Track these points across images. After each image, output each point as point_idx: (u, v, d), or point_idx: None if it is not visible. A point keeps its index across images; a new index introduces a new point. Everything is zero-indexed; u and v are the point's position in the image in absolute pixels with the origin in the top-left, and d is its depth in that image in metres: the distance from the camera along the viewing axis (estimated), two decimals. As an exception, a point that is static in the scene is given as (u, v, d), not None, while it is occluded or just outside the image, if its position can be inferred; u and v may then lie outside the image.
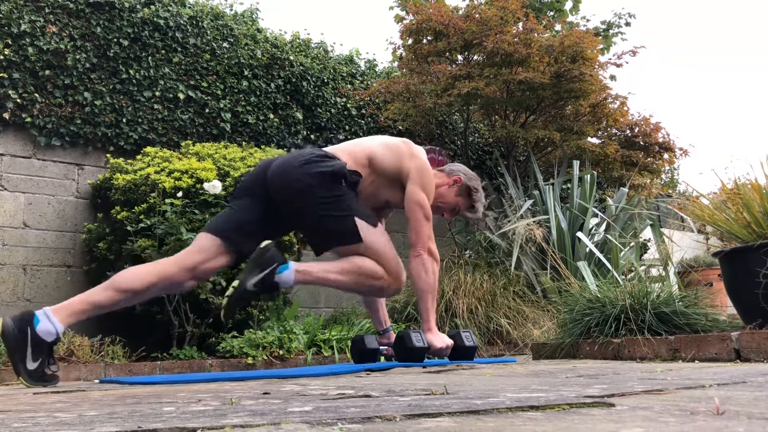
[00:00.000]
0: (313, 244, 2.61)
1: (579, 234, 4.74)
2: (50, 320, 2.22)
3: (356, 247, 2.44)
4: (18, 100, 4.25)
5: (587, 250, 4.67)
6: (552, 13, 8.84)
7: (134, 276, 2.36)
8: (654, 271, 4.82)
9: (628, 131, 6.23)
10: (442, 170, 2.90)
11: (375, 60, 6.53)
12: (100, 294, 2.33)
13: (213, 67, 5.09)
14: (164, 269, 2.39)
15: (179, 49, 4.95)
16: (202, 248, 2.44)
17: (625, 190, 5.50)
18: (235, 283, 2.34)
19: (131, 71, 4.67)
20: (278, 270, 2.36)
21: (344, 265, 2.45)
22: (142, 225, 3.70)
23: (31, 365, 2.19)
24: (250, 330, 3.78)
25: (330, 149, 2.63)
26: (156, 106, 4.77)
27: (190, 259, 2.42)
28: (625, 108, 6.18)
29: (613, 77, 7.27)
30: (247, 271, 2.35)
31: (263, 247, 2.38)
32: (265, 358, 3.56)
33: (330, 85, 5.82)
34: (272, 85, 5.41)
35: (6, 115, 4.22)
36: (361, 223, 2.45)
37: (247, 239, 2.46)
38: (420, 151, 2.74)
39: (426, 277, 2.63)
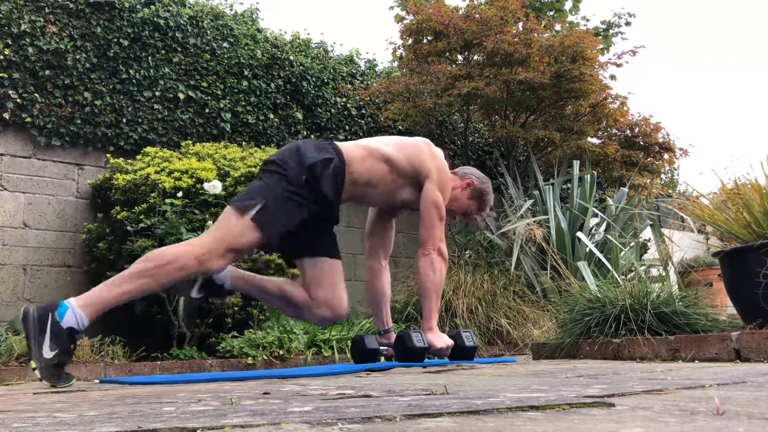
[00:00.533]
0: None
1: (579, 234, 4.74)
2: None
3: (231, 216, 2.32)
4: (18, 100, 4.25)
5: (587, 250, 4.67)
6: (552, 13, 8.83)
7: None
8: (654, 271, 4.82)
9: (628, 131, 6.23)
10: (455, 173, 2.91)
11: (375, 60, 6.53)
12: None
13: (213, 67, 5.09)
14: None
15: (179, 49, 4.95)
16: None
17: (625, 190, 5.50)
18: (33, 364, 2.08)
19: (131, 71, 4.68)
20: (57, 316, 2.13)
21: (131, 268, 2.23)
22: (142, 225, 3.70)
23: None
24: (250, 330, 3.78)
25: (349, 143, 2.60)
26: (156, 106, 4.77)
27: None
28: (625, 108, 6.19)
29: (613, 77, 7.27)
30: (33, 344, 2.10)
31: (24, 312, 2.15)
32: (265, 358, 3.56)
33: (330, 85, 5.82)
34: (272, 85, 5.41)
35: (6, 115, 4.22)
36: (263, 211, 2.31)
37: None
38: (439, 153, 2.76)
39: (433, 277, 2.64)
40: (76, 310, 2.13)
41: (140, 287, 2.22)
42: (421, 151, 2.68)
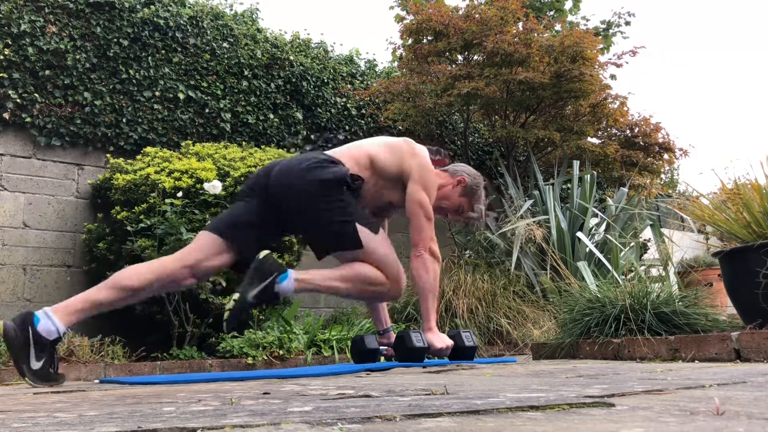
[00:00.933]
0: (314, 248, 2.61)
1: (579, 234, 4.74)
2: (50, 319, 2.20)
3: (356, 253, 2.43)
4: (18, 100, 4.25)
5: (587, 250, 4.67)
6: (552, 13, 8.84)
7: (134, 274, 2.35)
8: (654, 271, 4.82)
9: (628, 131, 6.23)
10: (446, 170, 2.88)
11: (375, 60, 6.53)
12: (99, 292, 2.31)
13: (213, 67, 5.09)
14: (164, 267, 2.39)
15: (179, 49, 4.95)
16: (203, 246, 2.43)
17: (625, 190, 5.50)
18: (236, 295, 2.32)
19: (131, 71, 4.68)
20: (278, 279, 2.34)
21: (343, 272, 2.44)
22: (142, 225, 3.70)
23: (36, 365, 2.16)
24: (250, 330, 3.78)
25: (332, 152, 2.61)
26: (156, 106, 4.77)
27: (190, 256, 2.41)
28: (625, 108, 6.18)
29: (613, 77, 7.27)
30: (247, 283, 2.33)
31: (262, 257, 2.37)
32: (265, 358, 3.56)
33: (330, 85, 5.82)
34: (272, 85, 5.41)
35: (6, 115, 4.22)
36: (362, 230, 2.43)
37: (247, 239, 2.46)
38: (422, 150, 2.72)
39: (427, 277, 2.63)
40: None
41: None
42: (400, 150, 2.66)
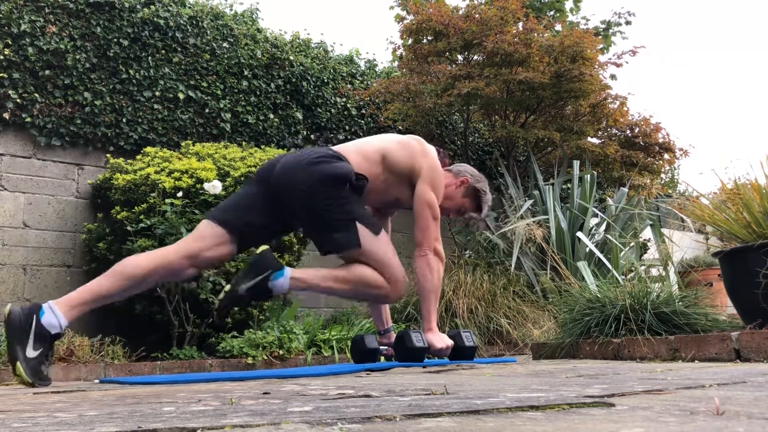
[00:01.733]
0: (317, 243, 2.59)
1: (579, 234, 4.74)
2: (54, 313, 2.19)
3: (356, 253, 2.42)
4: (18, 100, 4.25)
5: (587, 250, 4.67)
6: (552, 13, 8.83)
7: (135, 263, 2.33)
8: (654, 271, 4.82)
9: (628, 131, 6.23)
10: (450, 170, 2.89)
11: (375, 60, 6.53)
12: (101, 283, 2.29)
13: (213, 67, 5.09)
14: (165, 256, 2.36)
15: (179, 49, 4.95)
16: (203, 236, 2.41)
17: (625, 190, 5.50)
18: (227, 286, 2.31)
19: (131, 71, 4.68)
20: (273, 276, 2.33)
21: (342, 273, 2.43)
22: (142, 225, 3.70)
23: (31, 353, 2.14)
24: (250, 330, 3.78)
25: (339, 148, 2.60)
26: (156, 106, 4.77)
27: (191, 246, 2.39)
28: (625, 108, 6.19)
29: (613, 77, 7.27)
30: (242, 275, 2.33)
31: (260, 252, 2.36)
32: (265, 358, 3.56)
33: (330, 85, 5.82)
34: (272, 85, 5.41)
35: (6, 115, 4.22)
36: (362, 230, 2.42)
37: (248, 229, 2.45)
38: (432, 150, 2.73)
39: (431, 278, 2.63)
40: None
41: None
42: (413, 148, 2.66)
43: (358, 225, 2.42)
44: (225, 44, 5.20)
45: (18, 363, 2.12)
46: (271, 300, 2.42)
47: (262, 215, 2.49)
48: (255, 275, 2.32)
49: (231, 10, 5.67)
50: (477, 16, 5.52)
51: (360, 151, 2.58)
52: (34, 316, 2.16)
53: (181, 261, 2.36)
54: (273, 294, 2.37)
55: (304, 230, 2.94)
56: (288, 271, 2.38)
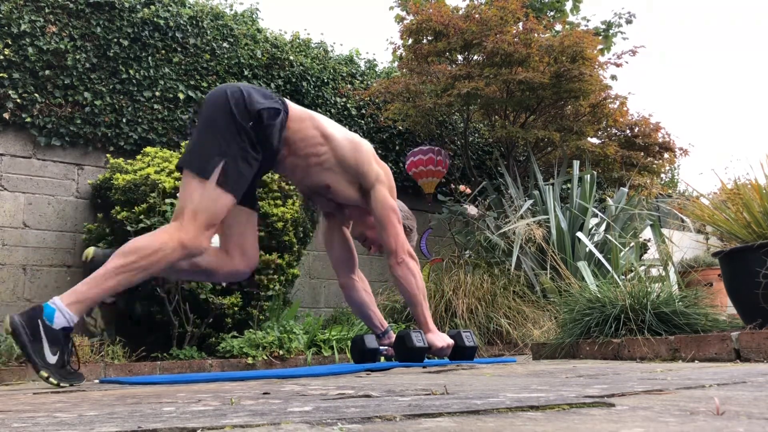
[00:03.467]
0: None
1: (579, 234, 4.74)
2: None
3: (193, 184, 2.19)
4: (18, 100, 4.25)
5: (587, 250, 4.67)
6: (552, 13, 8.84)
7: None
8: (654, 271, 4.82)
9: (628, 131, 6.23)
10: None
11: (375, 60, 6.54)
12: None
13: (213, 67, 5.09)
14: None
15: (179, 49, 4.95)
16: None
17: (625, 190, 5.50)
18: (43, 373, 2.04)
19: (131, 71, 4.68)
20: (47, 320, 2.07)
21: (112, 263, 2.18)
22: (142, 225, 3.70)
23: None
24: (250, 330, 3.78)
25: (295, 107, 2.46)
26: (156, 106, 4.77)
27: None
28: (625, 108, 6.19)
29: (614, 77, 7.27)
30: (34, 357, 2.05)
31: (11, 322, 2.08)
32: (265, 358, 3.56)
33: (330, 85, 5.82)
34: (272, 85, 5.41)
35: (6, 115, 4.22)
36: (225, 171, 2.20)
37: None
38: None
39: (416, 281, 2.61)
40: (63, 309, 2.11)
41: (124, 282, 2.16)
42: (369, 151, 2.59)
43: (220, 164, 2.20)
44: (225, 44, 5.20)
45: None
46: (67, 338, 2.15)
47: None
48: (37, 340, 2.05)
49: (231, 10, 5.67)
50: (477, 16, 5.52)
51: (311, 119, 2.45)
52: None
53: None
54: (71, 329, 2.11)
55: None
56: (55, 302, 2.12)
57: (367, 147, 2.62)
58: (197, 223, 2.20)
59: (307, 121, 2.45)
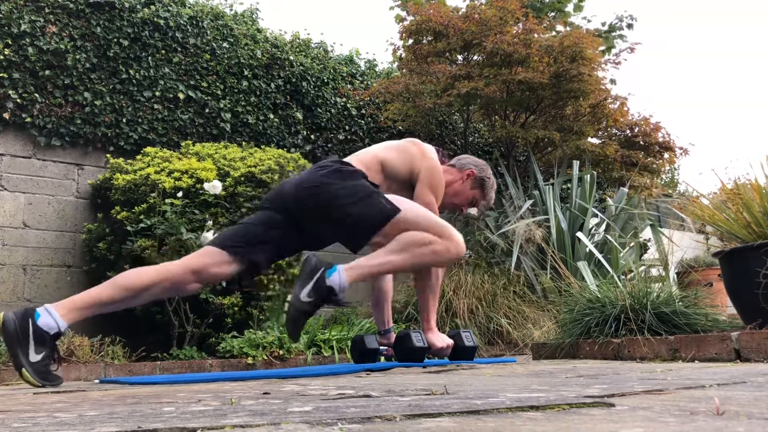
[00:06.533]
0: (349, 241, 2.47)
1: (579, 234, 4.74)
2: (51, 315, 2.15)
3: (396, 222, 2.32)
4: (18, 100, 4.25)
5: (587, 250, 4.67)
6: (553, 14, 8.83)
7: (138, 274, 2.30)
8: (654, 271, 4.82)
9: (628, 131, 6.23)
10: (453, 166, 2.88)
11: (375, 60, 6.54)
12: (102, 291, 2.26)
13: (213, 67, 5.09)
14: (169, 269, 2.33)
15: (179, 49, 4.95)
16: (209, 253, 2.38)
17: (625, 190, 5.50)
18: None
19: (131, 71, 4.68)
20: (327, 273, 2.24)
21: (390, 245, 2.30)
22: (142, 225, 3.70)
23: (34, 357, 2.10)
24: (250, 330, 3.78)
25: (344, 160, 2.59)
26: (156, 106, 4.77)
27: (197, 261, 2.35)
28: (625, 108, 6.18)
29: (613, 81, 7.25)
30: (298, 285, 2.24)
31: (306, 258, 2.29)
32: (265, 358, 3.56)
33: (330, 85, 5.82)
34: (272, 85, 5.41)
35: (6, 115, 4.22)
36: (390, 197, 2.37)
37: (254, 248, 2.40)
38: (431, 151, 2.71)
39: (430, 278, 2.64)
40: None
41: (405, 264, 2.30)
42: (410, 152, 2.66)
43: (380, 195, 2.36)
44: (225, 44, 5.20)
45: (23, 369, 2.09)
46: (337, 303, 2.25)
47: (272, 234, 2.44)
48: (309, 278, 2.22)
49: (231, 10, 5.67)
50: (476, 16, 5.52)
51: (360, 161, 2.57)
52: (30, 320, 2.12)
53: (186, 275, 2.32)
54: (336, 292, 2.25)
55: (334, 233, 2.63)
56: (339, 266, 2.28)
57: (410, 148, 2.68)
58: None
59: (368, 172, 2.53)
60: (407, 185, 2.66)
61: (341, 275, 2.24)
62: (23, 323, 2.13)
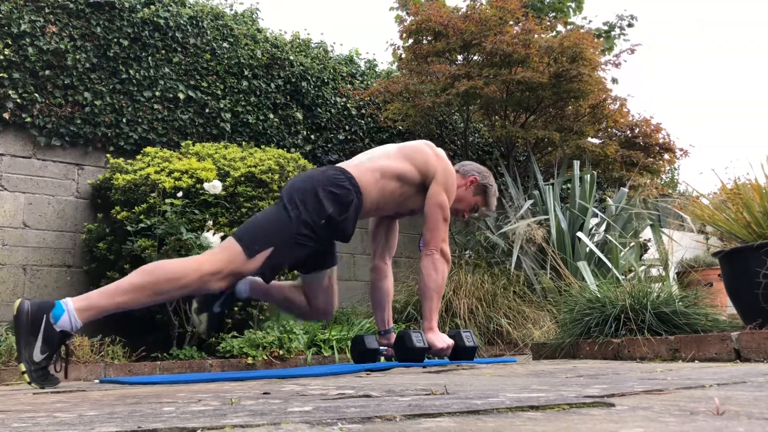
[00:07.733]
0: None
1: (579, 234, 4.74)
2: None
3: (238, 251, 2.31)
4: (18, 100, 4.25)
5: (587, 250, 4.67)
6: (553, 15, 8.83)
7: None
8: (654, 271, 4.82)
9: (628, 132, 6.23)
10: (457, 171, 2.92)
11: (375, 60, 6.54)
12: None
13: (213, 67, 5.09)
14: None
15: (179, 49, 4.95)
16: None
17: (625, 190, 5.50)
18: (22, 367, 2.06)
19: (131, 71, 4.68)
20: (51, 317, 2.09)
21: (130, 281, 2.20)
22: (142, 225, 3.70)
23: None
24: (250, 330, 3.78)
25: (353, 167, 2.58)
26: (156, 106, 4.77)
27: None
28: (625, 109, 6.18)
29: (615, 80, 7.26)
30: (23, 346, 2.07)
31: (16, 311, 2.10)
32: (265, 358, 3.56)
33: (330, 85, 5.82)
34: (272, 85, 5.41)
35: (6, 115, 4.22)
36: (261, 256, 2.32)
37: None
38: (443, 153, 2.78)
39: (435, 277, 2.66)
40: (72, 313, 2.11)
41: (136, 301, 2.20)
42: (426, 154, 2.70)
43: (268, 251, 2.33)
44: (225, 44, 5.20)
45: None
46: (64, 342, 2.16)
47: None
48: (34, 334, 2.06)
49: (231, 10, 5.67)
50: (476, 16, 5.53)
51: (382, 174, 2.59)
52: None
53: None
54: (69, 333, 2.12)
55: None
56: (68, 302, 2.13)
57: (425, 150, 2.71)
58: (226, 270, 2.35)
59: (380, 181, 2.58)
60: (421, 188, 2.69)
61: (71, 315, 2.11)
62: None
